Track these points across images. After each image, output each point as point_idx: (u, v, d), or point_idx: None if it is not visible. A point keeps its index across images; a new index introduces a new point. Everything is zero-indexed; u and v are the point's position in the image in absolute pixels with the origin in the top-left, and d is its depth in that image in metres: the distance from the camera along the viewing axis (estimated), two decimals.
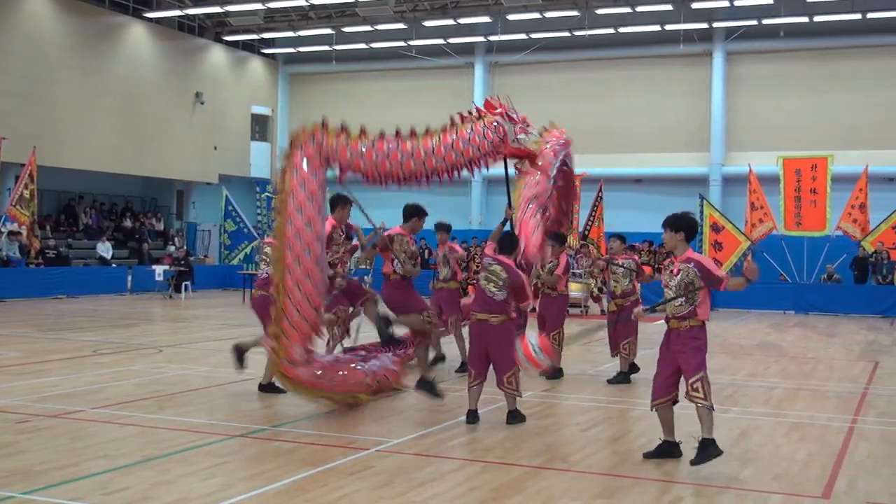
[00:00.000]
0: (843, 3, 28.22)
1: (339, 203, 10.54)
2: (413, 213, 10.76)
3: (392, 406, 10.12)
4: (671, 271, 7.72)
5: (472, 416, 9.27)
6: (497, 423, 9.27)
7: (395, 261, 10.50)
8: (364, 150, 9.24)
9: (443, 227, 13.01)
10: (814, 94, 30.41)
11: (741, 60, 31.55)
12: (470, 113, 9.61)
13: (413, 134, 9.33)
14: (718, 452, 7.51)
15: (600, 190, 25.53)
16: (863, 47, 29.95)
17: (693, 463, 7.53)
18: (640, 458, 8.00)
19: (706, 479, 7.33)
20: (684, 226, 7.74)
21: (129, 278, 28.20)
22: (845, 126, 29.59)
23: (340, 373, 9.68)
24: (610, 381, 12.16)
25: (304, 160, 9.26)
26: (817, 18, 29.08)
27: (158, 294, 27.18)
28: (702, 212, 27.17)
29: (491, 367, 9.25)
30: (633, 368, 12.46)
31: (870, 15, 28.50)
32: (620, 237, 12.65)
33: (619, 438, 8.86)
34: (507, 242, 9.51)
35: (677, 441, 7.93)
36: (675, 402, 7.89)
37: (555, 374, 12.37)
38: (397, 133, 9.33)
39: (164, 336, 17.29)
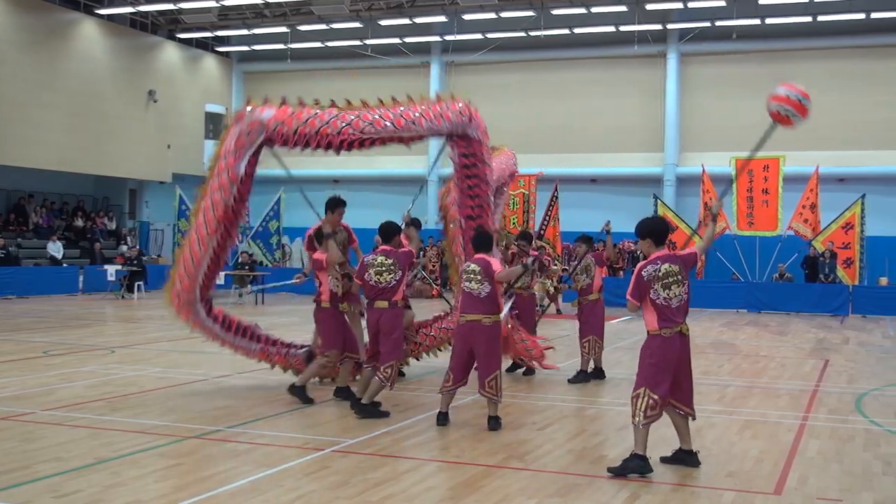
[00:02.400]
0: (795, 6, 28.61)
1: (337, 205, 10.64)
2: (396, 232, 9.99)
3: (347, 406, 10.06)
4: None
5: (443, 419, 9.17)
6: (453, 423, 9.27)
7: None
8: (309, 117, 9.99)
9: (414, 224, 12.63)
10: (766, 95, 30.69)
11: (695, 62, 31.87)
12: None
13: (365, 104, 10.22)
14: (643, 470, 7.33)
15: (556, 189, 25.68)
16: (814, 49, 30.37)
17: (610, 470, 7.42)
18: (595, 457, 8.05)
19: (660, 477, 7.39)
20: (647, 231, 7.67)
21: (81, 278, 27.84)
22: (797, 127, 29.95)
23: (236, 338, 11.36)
24: (570, 381, 12.21)
25: (232, 138, 10.27)
26: (769, 21, 29.46)
27: (111, 294, 26.85)
28: (656, 211, 27.44)
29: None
30: (599, 374, 12.46)
31: (820, 18, 28.93)
32: (587, 239, 12.57)
33: (575, 437, 8.90)
34: (482, 240, 9.40)
35: (693, 451, 7.81)
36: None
37: (529, 371, 12.66)
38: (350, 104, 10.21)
39: (116, 337, 17.09)
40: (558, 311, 22.98)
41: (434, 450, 8.20)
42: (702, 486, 7.21)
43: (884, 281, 27.16)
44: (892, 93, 29.40)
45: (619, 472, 7.36)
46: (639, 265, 7.57)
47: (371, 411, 9.49)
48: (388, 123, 10.02)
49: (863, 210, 25.69)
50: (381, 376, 9.43)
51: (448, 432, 8.91)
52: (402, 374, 11.97)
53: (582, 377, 12.23)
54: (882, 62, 29.67)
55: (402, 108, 10.19)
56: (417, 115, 10.20)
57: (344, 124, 9.85)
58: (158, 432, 8.60)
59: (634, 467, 7.35)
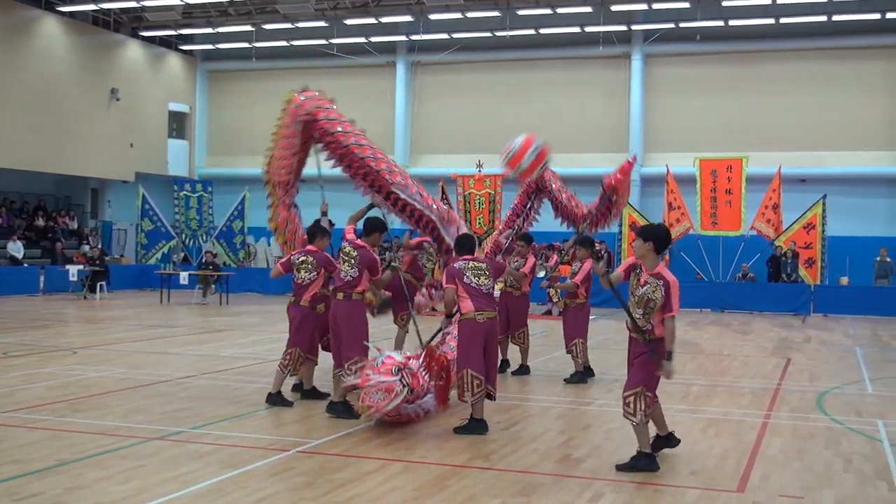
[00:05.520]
0: (758, 8, 28.85)
1: (319, 234, 10.40)
2: (375, 228, 10.14)
3: (312, 407, 10.03)
4: (639, 280, 7.57)
5: (485, 427, 8.96)
6: (420, 425, 9.26)
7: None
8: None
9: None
10: (729, 96, 31.03)
11: (659, 63, 32.05)
12: None
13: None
14: (651, 467, 7.54)
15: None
16: (776, 51, 30.63)
17: (618, 467, 7.61)
18: (560, 456, 8.07)
19: (625, 476, 7.43)
20: (653, 235, 7.61)
21: (42, 278, 27.50)
22: (760, 128, 30.26)
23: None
24: (567, 381, 12.27)
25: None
26: (733, 22, 29.68)
27: (72, 294, 26.56)
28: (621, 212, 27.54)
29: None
30: (589, 372, 12.57)
31: (783, 20, 29.19)
32: (590, 242, 12.59)
33: (540, 436, 8.91)
34: (465, 243, 9.43)
35: (670, 432, 8.01)
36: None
37: (523, 370, 12.79)
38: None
39: (78, 337, 16.90)
40: (560, 312, 22.91)
41: (399, 450, 8.19)
42: (666, 485, 7.25)
43: (844, 280, 27.48)
44: (853, 94, 29.73)
45: (628, 469, 7.52)
46: (676, 282, 7.51)
47: (340, 409, 9.43)
48: None
49: (824, 210, 25.98)
50: (344, 373, 9.41)
51: (413, 433, 8.89)
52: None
53: (579, 377, 12.30)
54: (843, 64, 29.98)
55: None
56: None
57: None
58: (121, 433, 8.52)
59: (643, 465, 7.53)
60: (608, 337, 17.74)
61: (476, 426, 8.90)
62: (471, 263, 9.12)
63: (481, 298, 9.00)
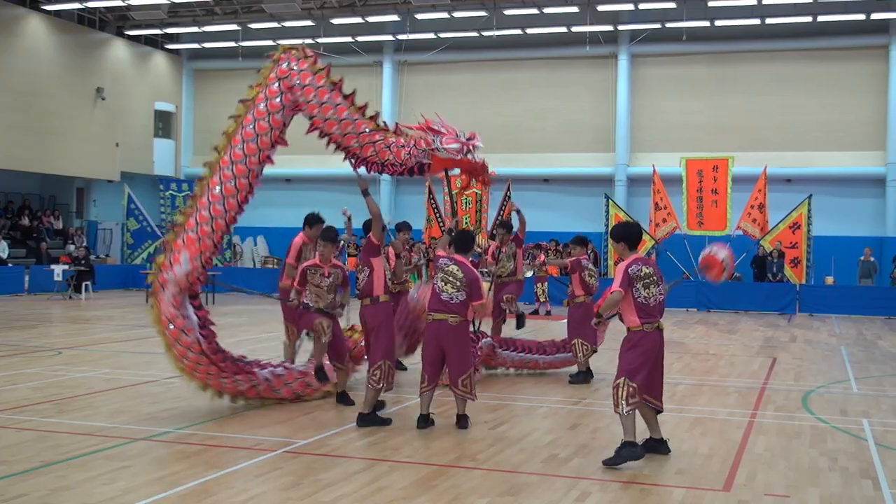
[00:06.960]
0: (744, 8, 28.95)
1: (314, 222, 10.84)
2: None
3: (299, 407, 10.02)
4: None
5: (423, 421, 9.05)
6: (405, 423, 9.26)
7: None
8: (329, 101, 10.02)
9: (405, 227, 13.32)
10: (715, 96, 31.12)
11: (645, 63, 32.11)
12: (395, 128, 9.75)
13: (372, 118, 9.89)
14: (635, 454, 7.65)
15: (508, 189, 25.72)
16: (762, 51, 30.74)
17: (605, 462, 7.67)
18: (547, 455, 8.08)
19: (611, 475, 7.44)
20: (620, 235, 8.12)
21: (27, 278, 27.37)
22: (745, 128, 30.37)
23: (229, 375, 9.65)
24: (571, 380, 12.28)
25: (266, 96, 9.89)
26: (719, 23, 29.78)
27: (57, 294, 26.43)
28: (607, 211, 27.64)
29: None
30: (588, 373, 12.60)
31: (768, 20, 29.30)
32: (583, 241, 12.77)
33: (527, 436, 8.92)
34: (463, 241, 9.25)
35: (664, 439, 8.18)
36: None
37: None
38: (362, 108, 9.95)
39: (63, 338, 16.82)
40: (548, 312, 23.03)
41: (386, 450, 8.18)
42: (652, 484, 7.26)
43: (830, 280, 27.60)
44: (838, 95, 29.87)
45: (614, 462, 7.62)
46: (623, 264, 7.91)
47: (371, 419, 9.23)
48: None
49: (809, 210, 26.08)
50: (370, 381, 9.30)
51: (400, 433, 8.89)
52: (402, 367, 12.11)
53: (581, 377, 12.29)
54: (827, 65, 30.12)
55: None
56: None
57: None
58: (106, 434, 8.48)
59: (627, 454, 7.64)
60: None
61: (419, 421, 9.09)
62: (450, 267, 8.95)
63: (436, 300, 8.95)
